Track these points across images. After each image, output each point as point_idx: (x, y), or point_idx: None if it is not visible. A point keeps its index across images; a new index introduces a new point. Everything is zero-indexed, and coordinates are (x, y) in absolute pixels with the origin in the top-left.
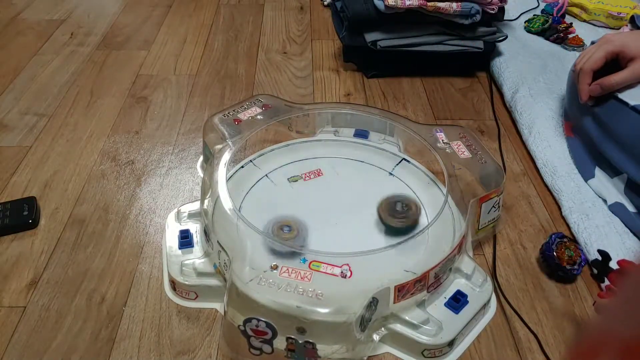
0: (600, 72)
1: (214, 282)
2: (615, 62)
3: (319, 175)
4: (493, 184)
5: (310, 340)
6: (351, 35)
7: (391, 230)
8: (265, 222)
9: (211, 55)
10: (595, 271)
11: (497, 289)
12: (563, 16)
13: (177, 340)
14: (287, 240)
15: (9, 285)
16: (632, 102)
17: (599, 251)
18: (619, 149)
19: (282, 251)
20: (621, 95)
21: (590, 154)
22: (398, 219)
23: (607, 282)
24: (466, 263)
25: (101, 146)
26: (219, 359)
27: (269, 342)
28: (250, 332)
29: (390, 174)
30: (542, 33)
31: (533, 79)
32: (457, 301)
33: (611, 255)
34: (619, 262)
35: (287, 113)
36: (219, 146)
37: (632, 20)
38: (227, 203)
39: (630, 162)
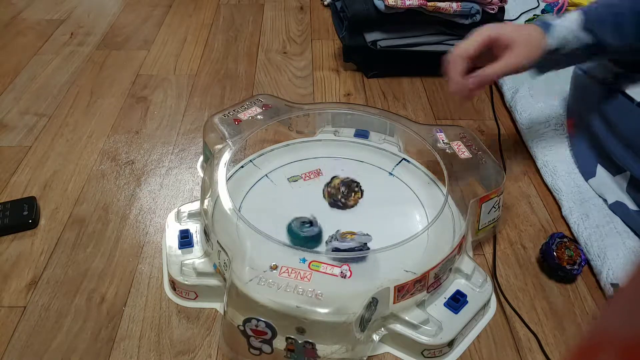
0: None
1: (213, 282)
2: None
3: (318, 175)
4: (493, 184)
5: (310, 340)
6: (351, 35)
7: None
8: (266, 223)
9: (211, 55)
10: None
11: (497, 289)
12: None
13: (177, 340)
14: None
15: (9, 285)
16: (638, 99)
17: None
18: (623, 146)
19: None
20: (628, 92)
21: (593, 152)
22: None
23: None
24: (466, 263)
25: (101, 146)
26: (218, 359)
27: (269, 342)
28: (249, 332)
29: (390, 174)
30: None
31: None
32: (457, 301)
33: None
34: None
35: (287, 113)
36: (219, 146)
37: None
38: (227, 203)
39: (634, 160)
